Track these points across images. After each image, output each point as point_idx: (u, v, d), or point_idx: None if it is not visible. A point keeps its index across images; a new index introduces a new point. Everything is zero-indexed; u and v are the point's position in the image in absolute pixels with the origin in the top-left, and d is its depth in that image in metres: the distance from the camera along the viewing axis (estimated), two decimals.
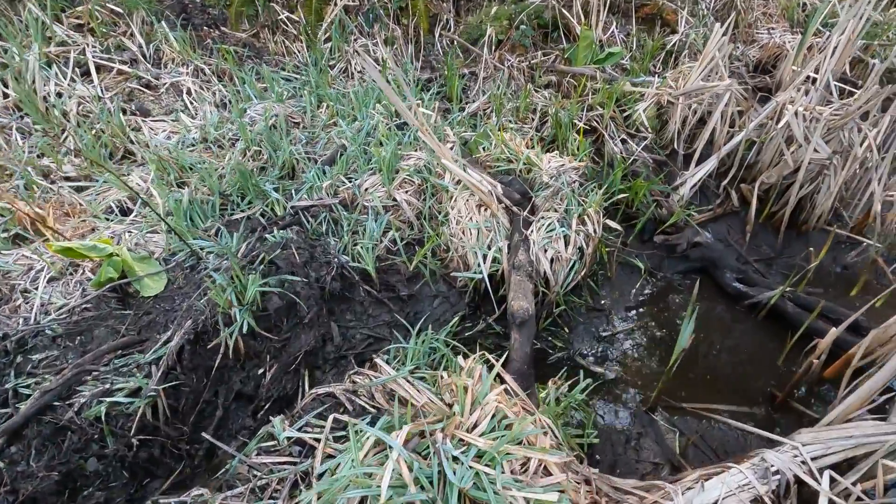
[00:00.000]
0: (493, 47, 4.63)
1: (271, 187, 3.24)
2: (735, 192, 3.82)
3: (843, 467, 2.00)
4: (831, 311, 2.94)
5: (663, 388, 2.54)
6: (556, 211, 3.00)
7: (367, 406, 2.29)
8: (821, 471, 1.93)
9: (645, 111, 4.14)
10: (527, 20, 4.67)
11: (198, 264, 2.83)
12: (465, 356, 2.35)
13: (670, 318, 3.23)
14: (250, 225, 3.10)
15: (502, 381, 2.17)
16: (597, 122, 4.14)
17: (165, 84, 4.10)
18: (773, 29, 5.44)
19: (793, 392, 2.65)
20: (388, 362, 2.42)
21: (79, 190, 3.25)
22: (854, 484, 1.88)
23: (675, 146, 4.09)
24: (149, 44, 4.30)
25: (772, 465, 1.92)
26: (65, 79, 3.86)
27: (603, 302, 3.24)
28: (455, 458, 1.64)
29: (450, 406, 1.91)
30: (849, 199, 3.50)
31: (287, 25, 4.75)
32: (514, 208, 3.07)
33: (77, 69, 3.96)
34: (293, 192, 3.33)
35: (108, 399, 2.19)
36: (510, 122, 4.12)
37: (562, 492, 1.64)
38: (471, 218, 3.04)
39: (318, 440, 2.09)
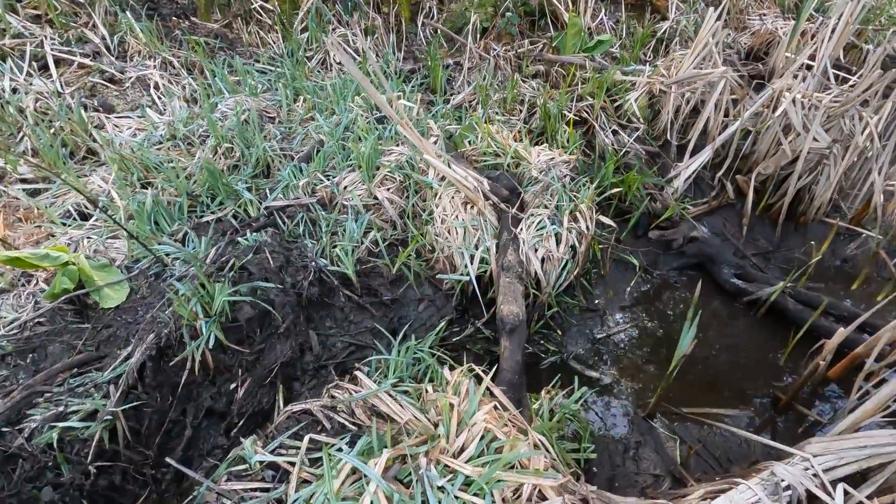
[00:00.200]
0: (478, 36, 4.44)
1: (244, 187, 3.04)
2: (730, 184, 3.69)
3: (855, 479, 1.88)
4: (833, 308, 2.83)
5: (662, 394, 2.39)
6: (546, 207, 2.84)
7: (346, 423, 2.12)
8: (833, 483, 1.80)
9: (636, 101, 3.98)
10: (513, 7, 4.48)
11: (163, 271, 2.63)
12: (452, 367, 2.18)
13: (667, 316, 3.10)
14: (221, 228, 2.90)
15: (492, 394, 2.01)
16: (587, 112, 3.97)
17: (131, 78, 3.85)
18: (764, 15, 5.30)
19: (796, 394, 2.52)
20: (368, 374, 2.25)
21: (35, 193, 3.02)
22: (870, 498, 1.76)
23: (668, 137, 3.94)
24: (112, 35, 4.05)
25: (782, 480, 1.79)
26: (21, 73, 3.60)
27: (597, 302, 3.09)
28: (441, 488, 1.48)
29: (435, 426, 1.74)
30: (848, 189, 3.38)
31: (261, 15, 4.51)
32: (502, 205, 2.90)
33: (34, 63, 3.71)
34: (267, 191, 3.13)
35: (60, 424, 1.99)
36: (497, 113, 3.94)
37: None
38: (457, 216, 2.87)
39: (292, 464, 1.92)
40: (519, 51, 4.41)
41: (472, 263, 2.72)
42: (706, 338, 2.96)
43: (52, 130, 3.34)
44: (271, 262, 2.67)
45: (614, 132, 3.94)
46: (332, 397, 2.22)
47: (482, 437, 1.62)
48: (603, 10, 4.77)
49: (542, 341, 2.87)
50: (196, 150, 3.35)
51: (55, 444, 1.97)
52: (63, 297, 2.41)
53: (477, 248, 2.77)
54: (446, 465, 1.56)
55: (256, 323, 2.47)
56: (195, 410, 2.35)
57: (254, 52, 4.40)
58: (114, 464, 2.09)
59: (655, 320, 3.06)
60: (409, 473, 1.59)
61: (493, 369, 2.16)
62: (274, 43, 4.49)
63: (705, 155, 3.59)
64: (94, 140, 3.39)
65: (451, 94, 4.17)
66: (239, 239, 2.78)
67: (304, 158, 3.29)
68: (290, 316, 2.60)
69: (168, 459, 2.06)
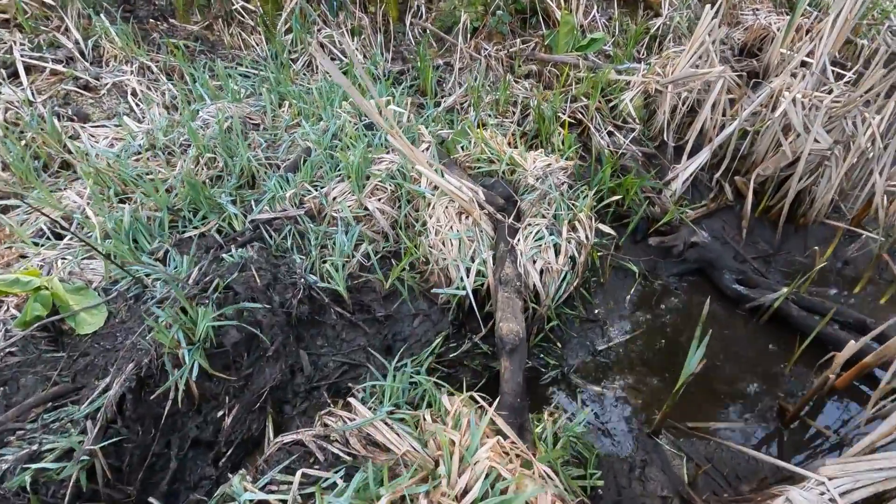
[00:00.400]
0: (469, 35, 4.31)
1: (228, 200, 2.90)
2: (729, 186, 3.61)
3: (870, 501, 1.81)
4: (839, 314, 2.76)
5: (668, 411, 2.31)
6: (543, 217, 2.74)
7: (340, 453, 2.01)
8: None
9: (632, 101, 3.89)
10: (503, 5, 4.35)
11: (143, 293, 2.50)
12: (450, 392, 2.08)
13: (668, 324, 3.02)
14: (204, 244, 2.77)
15: (493, 422, 1.91)
16: (581, 113, 3.88)
17: (107, 85, 3.68)
18: (757, 9, 5.22)
19: (804, 406, 2.45)
20: (363, 401, 2.14)
21: (4, 210, 2.86)
22: None
23: (665, 137, 3.85)
24: (86, 39, 3.86)
25: None
26: None
27: (596, 311, 3.00)
28: None
29: (436, 462, 1.64)
30: (848, 190, 3.32)
31: (243, 16, 4.34)
32: (498, 215, 2.79)
33: (3, 70, 3.52)
34: (253, 203, 2.99)
35: (34, 465, 1.86)
36: (489, 116, 3.83)
37: None
38: (451, 227, 2.76)
39: (284, 502, 1.81)
40: (511, 50, 4.29)
41: (468, 277, 2.61)
42: (708, 346, 2.87)
43: (23, 142, 3.17)
44: (258, 281, 2.54)
45: (609, 133, 3.85)
46: (325, 426, 2.11)
47: (486, 476, 1.53)
48: (595, 7, 4.66)
49: (541, 355, 2.78)
50: (177, 161, 3.21)
51: (28, 487, 1.84)
52: (36, 325, 2.27)
53: (473, 261, 2.66)
54: None
55: (243, 347, 2.35)
56: (180, 441, 2.23)
57: (236, 55, 4.24)
58: None
59: (657, 329, 2.99)
60: None
61: (495, 399, 2.06)
62: (257, 45, 4.33)
63: (703, 156, 3.51)
64: (69, 151, 3.23)
65: (442, 97, 4.04)
66: (223, 255, 2.65)
67: (290, 168, 3.16)
68: (280, 337, 2.48)
69: (151, 500, 1.94)
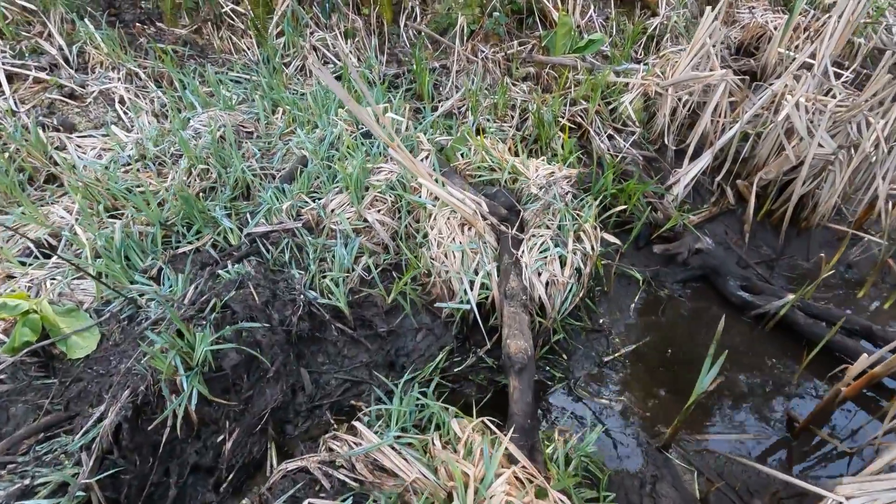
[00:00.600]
0: (465, 38, 4.23)
1: (222, 213, 2.82)
2: (731, 189, 3.58)
3: None
4: (847, 321, 2.73)
5: (678, 426, 2.28)
6: (548, 227, 2.68)
7: (347, 480, 1.95)
8: None
9: (631, 103, 3.84)
10: (500, 6, 4.28)
11: (137, 313, 2.41)
12: (458, 414, 2.02)
13: (674, 332, 2.99)
14: (199, 259, 2.68)
15: (499, 430, 1.86)
16: (581, 117, 3.82)
17: (93, 92, 3.56)
18: (753, 8, 5.18)
19: (814, 418, 2.43)
20: (368, 424, 2.08)
21: None
22: None
23: (665, 141, 3.81)
24: (71, 45, 3.74)
25: None
26: None
27: (601, 321, 2.96)
28: None
29: (448, 496, 1.59)
30: (851, 193, 3.30)
31: (233, 19, 4.23)
32: (501, 226, 2.73)
33: None
34: (248, 215, 2.91)
35: (26, 502, 1.78)
36: (488, 120, 3.76)
37: None
38: (453, 238, 2.69)
39: None
40: (508, 52, 4.22)
41: (471, 290, 2.55)
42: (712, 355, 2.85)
43: (6, 154, 3.06)
44: (256, 298, 2.47)
45: (610, 137, 3.80)
46: (330, 450, 2.05)
47: None
48: (592, 7, 4.59)
49: (547, 367, 2.73)
50: (168, 172, 3.11)
51: None
52: (25, 350, 2.18)
53: (477, 273, 2.60)
54: None
55: (243, 368, 2.28)
56: (179, 469, 2.15)
57: (227, 60, 4.13)
58: None
59: (662, 337, 2.95)
60: None
61: (503, 417, 2.01)
62: (248, 49, 4.22)
63: (705, 160, 3.47)
64: (55, 164, 3.12)
65: (440, 101, 3.97)
66: (220, 272, 2.57)
67: (286, 178, 3.07)
68: (280, 356, 2.41)
69: None
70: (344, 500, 1.84)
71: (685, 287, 3.22)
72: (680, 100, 3.70)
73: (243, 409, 2.28)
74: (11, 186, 2.87)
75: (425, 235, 2.78)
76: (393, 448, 1.94)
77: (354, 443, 2.02)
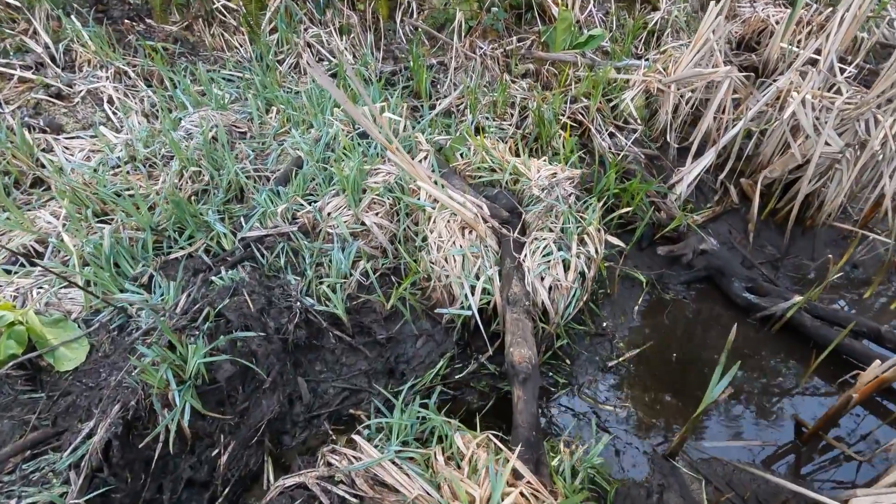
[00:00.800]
0: (463, 33, 4.14)
1: (215, 217, 2.73)
2: (734, 188, 3.52)
3: None
4: (855, 324, 2.68)
5: (686, 434, 2.22)
6: (551, 230, 2.61)
7: (346, 496, 1.88)
8: None
9: (633, 100, 3.76)
10: (498, 1, 4.19)
11: (127, 323, 2.33)
12: (460, 427, 1.96)
13: (679, 335, 2.93)
14: (192, 266, 2.60)
15: (504, 445, 1.79)
16: (582, 114, 3.74)
17: (80, 92, 3.46)
18: (755, 2, 5.10)
19: (822, 424, 2.38)
20: (368, 438, 2.01)
21: None
22: None
23: (668, 138, 3.74)
24: (57, 43, 3.63)
25: None
26: None
27: (605, 325, 2.90)
28: None
29: None
30: (857, 191, 3.24)
31: (224, 15, 4.12)
32: (503, 229, 2.66)
33: None
34: (242, 219, 2.82)
35: None
36: (487, 118, 3.69)
37: None
38: (453, 242, 2.62)
39: None
40: (507, 48, 4.13)
41: (473, 295, 2.48)
42: (718, 358, 2.80)
43: None
44: (251, 306, 2.39)
45: (611, 135, 3.73)
46: (329, 465, 1.98)
47: None
48: (592, 2, 4.50)
49: (550, 373, 2.67)
50: (159, 174, 3.02)
51: None
52: (11, 363, 2.10)
53: (478, 278, 2.53)
54: None
55: (238, 380, 2.20)
56: (172, 485, 2.08)
57: (218, 57, 4.03)
58: None
59: (667, 340, 2.89)
60: None
61: (506, 426, 1.95)
62: (240, 46, 4.11)
63: (708, 158, 3.40)
64: (42, 166, 3.02)
65: (437, 99, 3.88)
66: (213, 278, 2.49)
67: (280, 180, 2.99)
68: (276, 366, 2.34)
69: None
70: None
71: (689, 289, 3.16)
72: (682, 96, 3.63)
73: (239, 422, 2.21)
74: None
75: (425, 239, 2.71)
76: (394, 463, 1.88)
77: (354, 457, 1.96)
